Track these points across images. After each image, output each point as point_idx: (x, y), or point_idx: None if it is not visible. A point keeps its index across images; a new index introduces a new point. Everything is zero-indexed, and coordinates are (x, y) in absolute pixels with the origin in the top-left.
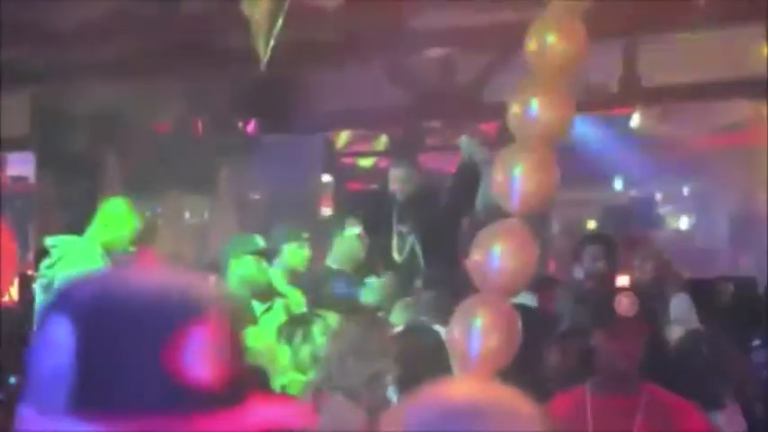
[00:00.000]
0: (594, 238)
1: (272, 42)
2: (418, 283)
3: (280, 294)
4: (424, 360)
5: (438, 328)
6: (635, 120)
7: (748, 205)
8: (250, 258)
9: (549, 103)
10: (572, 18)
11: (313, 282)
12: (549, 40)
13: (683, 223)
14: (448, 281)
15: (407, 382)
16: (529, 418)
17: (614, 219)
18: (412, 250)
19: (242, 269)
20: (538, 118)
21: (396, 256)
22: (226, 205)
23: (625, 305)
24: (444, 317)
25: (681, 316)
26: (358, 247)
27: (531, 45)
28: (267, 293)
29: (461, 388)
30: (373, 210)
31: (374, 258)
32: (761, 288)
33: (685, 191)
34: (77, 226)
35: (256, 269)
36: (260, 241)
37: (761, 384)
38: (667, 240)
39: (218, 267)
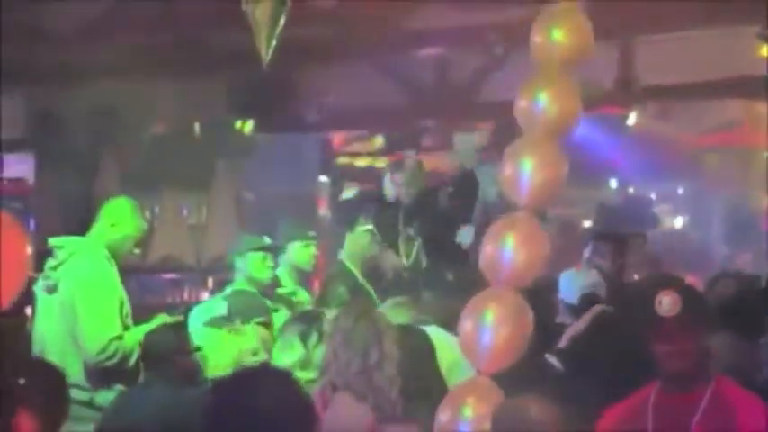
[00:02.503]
0: (605, 236)
1: (274, 42)
2: None
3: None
4: (410, 361)
5: (437, 328)
6: (631, 119)
7: (743, 205)
8: (256, 255)
9: (557, 96)
10: (577, 12)
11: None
12: (554, 35)
13: (678, 222)
14: (448, 282)
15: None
16: None
17: (609, 218)
18: (417, 254)
19: (248, 267)
20: (545, 112)
21: (404, 260)
22: (224, 205)
23: (666, 305)
24: (443, 317)
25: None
26: (370, 243)
27: (537, 39)
28: (274, 293)
29: None
30: (379, 213)
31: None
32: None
33: (680, 190)
34: (75, 227)
35: (262, 267)
36: (266, 239)
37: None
38: (663, 239)
39: (217, 266)
